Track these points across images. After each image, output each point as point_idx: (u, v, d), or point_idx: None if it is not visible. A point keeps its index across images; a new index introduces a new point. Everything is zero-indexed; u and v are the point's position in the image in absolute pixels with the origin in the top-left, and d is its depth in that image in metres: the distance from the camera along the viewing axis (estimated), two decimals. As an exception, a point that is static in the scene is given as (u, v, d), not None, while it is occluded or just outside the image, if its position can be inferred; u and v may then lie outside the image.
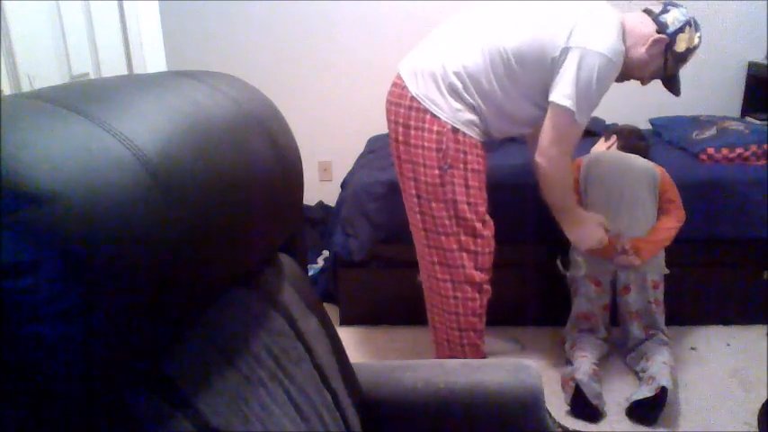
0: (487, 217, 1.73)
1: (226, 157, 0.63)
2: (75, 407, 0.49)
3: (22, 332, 0.45)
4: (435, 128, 1.64)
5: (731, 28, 3.00)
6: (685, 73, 3.08)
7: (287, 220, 0.81)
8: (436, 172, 1.66)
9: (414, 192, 1.72)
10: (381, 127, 2.93)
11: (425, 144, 1.65)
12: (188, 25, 3.04)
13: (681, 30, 1.69)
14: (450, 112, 1.64)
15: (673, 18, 1.69)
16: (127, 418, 0.54)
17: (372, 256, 2.28)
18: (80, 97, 0.55)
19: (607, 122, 2.86)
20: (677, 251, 2.04)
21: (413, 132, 1.66)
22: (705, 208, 2.18)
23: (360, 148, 2.78)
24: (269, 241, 0.78)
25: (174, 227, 0.54)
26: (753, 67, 3.01)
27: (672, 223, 2.00)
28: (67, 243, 0.45)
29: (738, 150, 2.28)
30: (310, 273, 2.62)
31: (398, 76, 1.73)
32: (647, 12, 1.74)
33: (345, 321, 2.35)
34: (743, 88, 3.07)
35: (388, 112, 1.75)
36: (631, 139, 2.28)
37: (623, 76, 1.73)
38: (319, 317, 0.87)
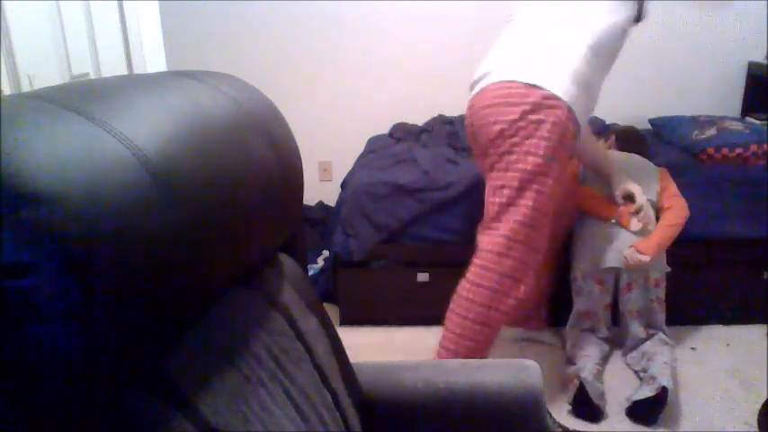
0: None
1: (226, 157, 0.63)
2: (75, 407, 0.49)
3: (22, 332, 0.45)
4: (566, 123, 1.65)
5: (731, 28, 3.00)
6: (685, 73, 3.09)
7: (287, 220, 0.81)
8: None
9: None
10: (381, 127, 2.95)
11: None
12: (188, 25, 3.04)
13: None
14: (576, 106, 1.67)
15: None
16: (127, 419, 0.54)
17: (372, 256, 2.28)
18: (80, 97, 0.55)
19: (607, 122, 2.86)
20: (677, 251, 2.04)
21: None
22: (705, 208, 2.18)
23: (360, 148, 2.78)
24: (269, 241, 0.78)
25: (174, 227, 0.54)
26: (753, 67, 3.01)
27: (674, 219, 2.00)
28: (67, 243, 0.45)
29: (738, 150, 2.28)
30: (310, 273, 2.62)
31: (508, 83, 1.66)
32: None
33: (345, 321, 2.35)
34: (743, 88, 3.07)
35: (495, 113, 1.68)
36: (629, 140, 2.28)
37: None
38: (319, 317, 0.87)
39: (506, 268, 1.67)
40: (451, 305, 1.74)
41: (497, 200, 1.68)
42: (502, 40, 1.78)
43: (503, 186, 1.67)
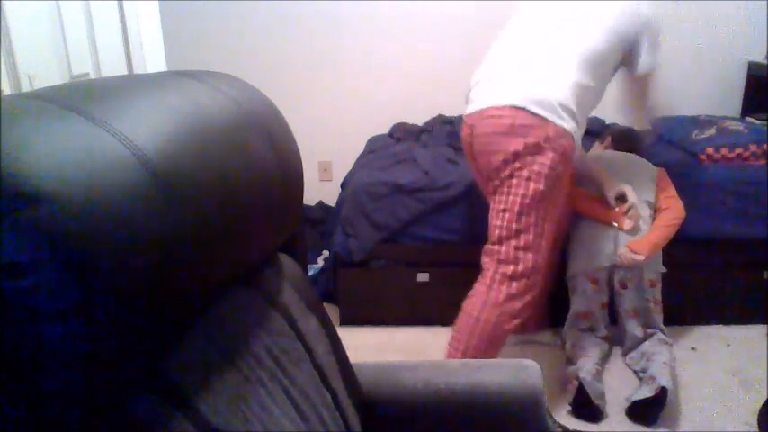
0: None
1: (226, 157, 0.63)
2: (75, 407, 0.49)
3: (22, 332, 0.45)
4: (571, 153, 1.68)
5: (731, 28, 2.99)
6: (686, 73, 3.09)
7: (287, 220, 0.81)
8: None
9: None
10: (381, 127, 2.95)
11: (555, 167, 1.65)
12: (188, 25, 3.04)
13: None
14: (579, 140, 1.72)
15: None
16: (127, 419, 0.54)
17: (372, 256, 2.28)
18: (80, 97, 0.55)
19: (606, 122, 2.86)
20: (677, 251, 2.04)
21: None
22: (705, 208, 2.18)
23: (360, 148, 2.78)
24: (269, 241, 0.78)
25: (174, 227, 0.54)
26: (753, 67, 3.01)
27: (671, 220, 2.00)
28: (67, 243, 0.45)
29: (738, 150, 2.28)
30: (310, 273, 2.62)
31: (513, 109, 1.63)
32: None
33: (345, 321, 2.35)
34: (743, 88, 3.07)
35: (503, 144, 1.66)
36: (627, 140, 2.28)
37: None
38: (319, 317, 0.87)
39: (512, 289, 1.69)
40: (458, 322, 1.75)
41: (499, 224, 1.69)
42: (502, 44, 1.76)
43: (504, 210, 1.68)
